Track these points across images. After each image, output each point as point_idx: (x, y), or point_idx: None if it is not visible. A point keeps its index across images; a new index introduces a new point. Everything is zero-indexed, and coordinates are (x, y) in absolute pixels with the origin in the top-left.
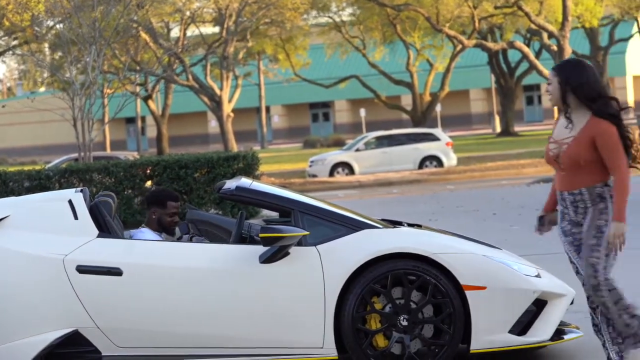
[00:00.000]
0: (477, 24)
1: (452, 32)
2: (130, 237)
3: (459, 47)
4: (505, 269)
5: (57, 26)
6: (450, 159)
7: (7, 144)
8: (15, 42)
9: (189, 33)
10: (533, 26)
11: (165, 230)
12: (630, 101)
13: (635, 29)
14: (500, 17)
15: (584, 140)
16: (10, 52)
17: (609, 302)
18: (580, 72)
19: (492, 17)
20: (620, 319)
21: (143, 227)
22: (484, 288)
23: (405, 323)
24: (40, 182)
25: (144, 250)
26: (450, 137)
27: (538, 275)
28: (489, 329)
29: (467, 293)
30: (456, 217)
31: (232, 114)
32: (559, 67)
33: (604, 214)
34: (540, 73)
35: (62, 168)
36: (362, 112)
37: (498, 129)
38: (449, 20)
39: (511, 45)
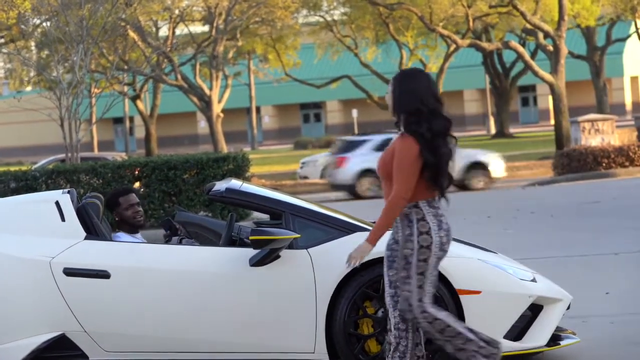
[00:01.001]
0: (471, 24)
1: (445, 32)
2: None
3: (453, 47)
4: (501, 273)
5: (44, 24)
6: None
7: None
8: (1, 40)
9: (177, 32)
10: (528, 26)
11: (134, 226)
12: (628, 102)
13: (632, 29)
14: (495, 17)
15: (389, 154)
16: None
17: (433, 332)
18: (408, 82)
19: (487, 16)
20: (449, 344)
21: (117, 231)
22: (478, 292)
23: None
24: (26, 183)
25: (132, 253)
26: None
27: (534, 280)
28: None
29: (462, 297)
30: (450, 220)
31: (221, 115)
32: (394, 77)
33: (409, 241)
34: (535, 74)
35: (49, 169)
36: (354, 112)
37: (493, 131)
38: (443, 20)
39: (506, 45)
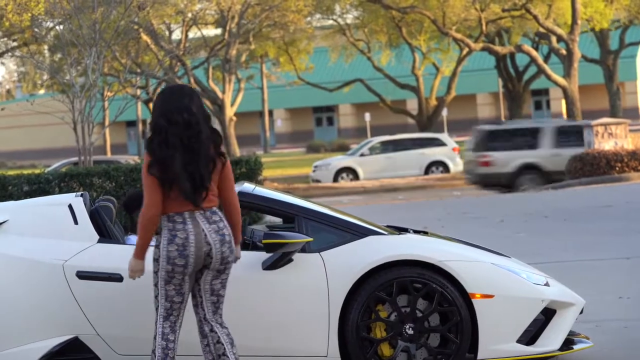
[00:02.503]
0: (484, 27)
1: (458, 36)
2: None
3: (466, 50)
4: (514, 277)
5: (57, 27)
6: (456, 165)
7: (6, 147)
8: (14, 44)
9: (190, 35)
10: (542, 29)
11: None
12: None
13: None
14: (508, 20)
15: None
16: (9, 53)
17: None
18: (155, 102)
19: (500, 20)
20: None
21: (130, 234)
22: (491, 296)
23: (411, 332)
24: (39, 186)
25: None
26: (457, 142)
27: (547, 284)
28: (496, 338)
29: (475, 302)
30: (463, 224)
31: (234, 118)
32: None
33: (155, 255)
34: (549, 77)
35: (62, 172)
36: (367, 116)
37: None
38: (456, 23)
39: (519, 49)
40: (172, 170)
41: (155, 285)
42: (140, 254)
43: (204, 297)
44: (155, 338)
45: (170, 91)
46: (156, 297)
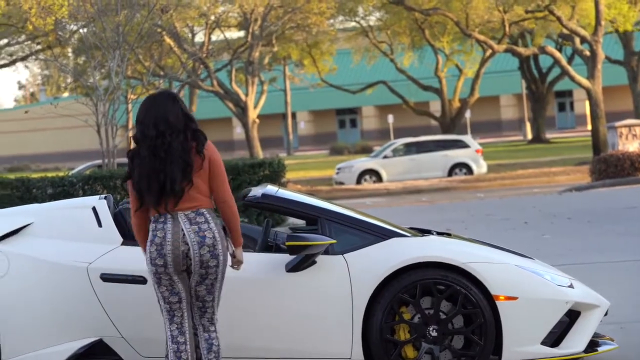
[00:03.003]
0: (507, 29)
1: (481, 37)
2: None
3: (489, 52)
4: (538, 279)
5: (81, 31)
6: (480, 167)
7: (30, 150)
8: (38, 47)
9: (213, 38)
10: (565, 31)
11: None
12: None
13: None
14: (531, 22)
15: None
16: (34, 57)
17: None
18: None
19: (523, 21)
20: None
21: None
22: (515, 298)
23: (434, 334)
24: (63, 189)
25: None
26: (480, 144)
27: (571, 286)
28: (520, 340)
29: (498, 303)
30: (486, 226)
31: (257, 120)
32: None
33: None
34: (572, 79)
35: (86, 175)
36: (390, 118)
37: (529, 136)
38: (479, 25)
39: (542, 50)
40: (135, 172)
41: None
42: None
43: (192, 300)
44: (166, 343)
45: (148, 101)
46: (158, 301)
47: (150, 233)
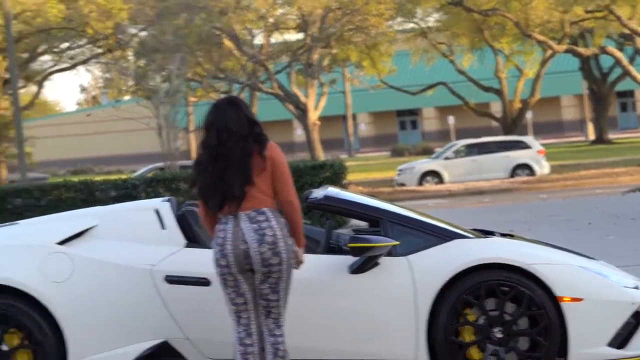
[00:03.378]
0: (567, 29)
1: (541, 38)
2: None
3: (549, 52)
4: (603, 281)
5: (140, 34)
6: (542, 167)
7: (92, 153)
8: (99, 50)
9: (272, 40)
10: (626, 30)
11: None
12: None
13: None
14: (591, 22)
15: None
16: (95, 60)
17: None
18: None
19: (583, 21)
20: None
21: None
22: (580, 300)
23: (499, 335)
24: (126, 192)
25: None
26: (542, 144)
27: (637, 287)
28: (586, 342)
29: (563, 305)
30: (549, 227)
31: (318, 122)
32: None
33: None
34: (634, 79)
35: (148, 177)
36: (451, 119)
37: (591, 137)
38: (539, 25)
39: (603, 50)
40: (202, 186)
41: None
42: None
43: (258, 300)
44: (234, 345)
45: (210, 108)
46: (227, 303)
47: (215, 234)
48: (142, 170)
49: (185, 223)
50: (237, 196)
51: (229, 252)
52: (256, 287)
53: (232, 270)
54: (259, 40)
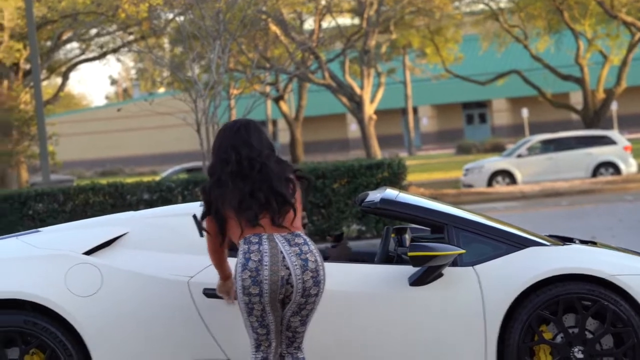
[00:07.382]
0: None
1: (629, 19)
2: None
3: (638, 35)
4: None
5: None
6: (629, 165)
7: (123, 152)
8: (131, 37)
9: (324, 25)
10: None
11: None
12: None
13: None
14: None
15: None
16: (126, 48)
17: None
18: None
19: None
20: None
21: None
22: None
23: (580, 355)
24: (161, 195)
25: None
26: (629, 139)
27: None
28: None
29: None
30: (637, 234)
31: (374, 116)
32: None
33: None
34: None
35: (185, 179)
36: (524, 112)
37: None
38: (626, 5)
39: None
40: (212, 195)
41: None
42: (220, 275)
43: (282, 329)
44: None
45: (225, 128)
46: (245, 325)
47: (241, 256)
48: (168, 171)
49: None
50: (280, 208)
51: (264, 279)
52: (284, 318)
53: (263, 300)
54: (309, 25)
